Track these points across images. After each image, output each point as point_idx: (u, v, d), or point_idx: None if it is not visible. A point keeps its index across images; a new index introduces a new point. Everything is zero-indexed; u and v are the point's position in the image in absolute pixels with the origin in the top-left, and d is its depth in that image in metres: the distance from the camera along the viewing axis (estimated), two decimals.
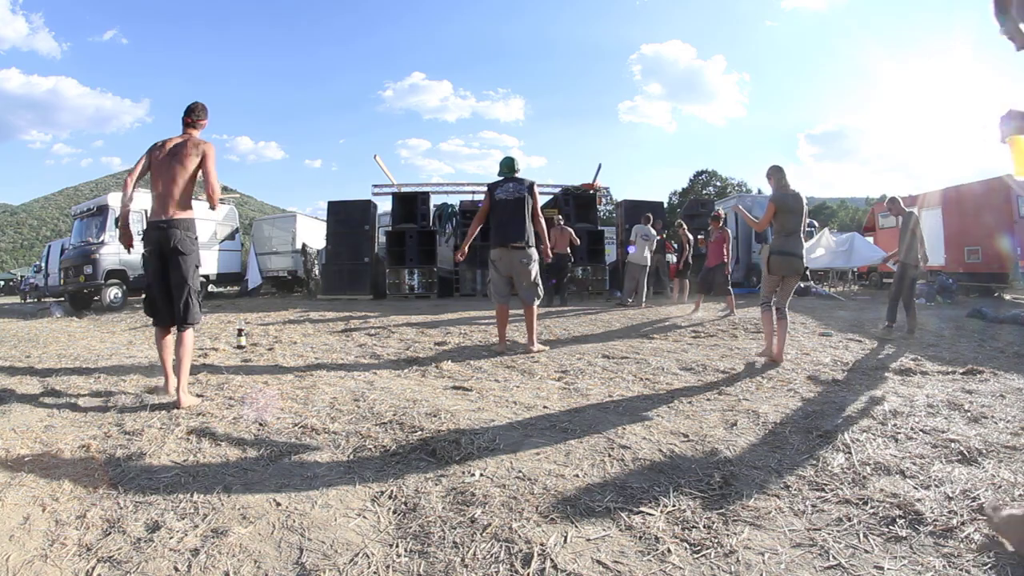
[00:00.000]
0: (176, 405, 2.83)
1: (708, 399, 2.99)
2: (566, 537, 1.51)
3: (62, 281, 11.17)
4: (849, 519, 1.60)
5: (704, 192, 45.42)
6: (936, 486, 1.80)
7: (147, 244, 2.99)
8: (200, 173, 3.04)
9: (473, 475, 1.94)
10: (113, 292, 10.57)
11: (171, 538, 1.52)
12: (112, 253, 10.46)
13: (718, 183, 48.43)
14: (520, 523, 1.58)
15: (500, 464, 2.04)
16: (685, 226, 9.65)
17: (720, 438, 2.32)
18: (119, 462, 2.09)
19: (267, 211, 71.79)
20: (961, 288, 10.61)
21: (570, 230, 9.30)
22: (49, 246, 15.91)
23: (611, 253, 13.42)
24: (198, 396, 3.05)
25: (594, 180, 13.13)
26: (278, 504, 1.73)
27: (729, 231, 7.96)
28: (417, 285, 11.54)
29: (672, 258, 10.74)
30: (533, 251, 4.41)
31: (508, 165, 4.56)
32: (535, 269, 4.42)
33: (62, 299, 11.74)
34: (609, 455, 2.13)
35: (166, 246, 2.92)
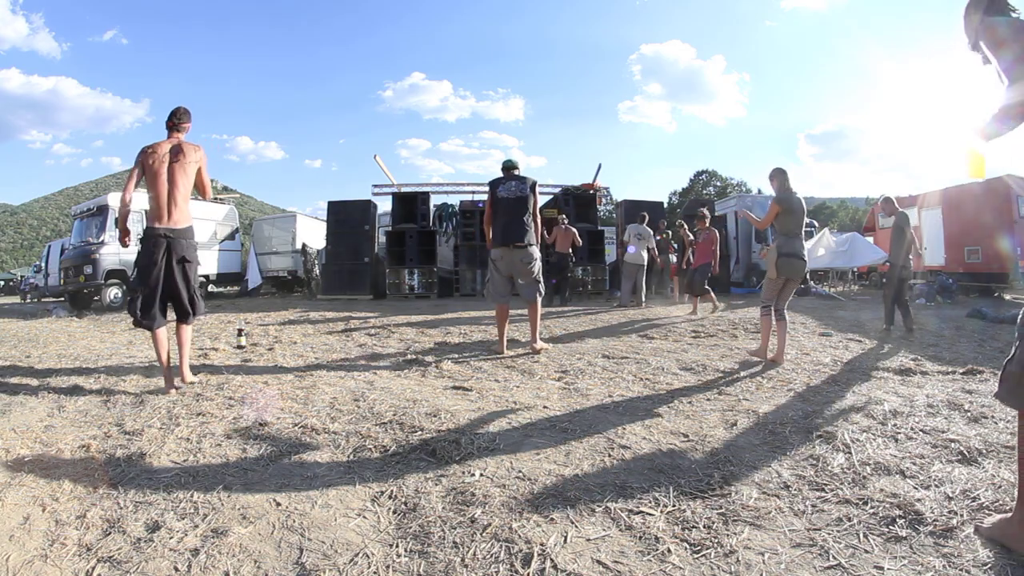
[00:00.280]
0: (182, 381, 3.23)
1: (708, 399, 2.99)
2: (566, 537, 1.51)
3: (62, 281, 11.18)
4: (849, 519, 1.60)
5: (704, 192, 45.42)
6: (936, 486, 1.80)
7: (151, 250, 3.08)
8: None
9: (473, 475, 1.94)
10: (113, 292, 10.57)
11: (171, 538, 1.52)
12: (112, 253, 10.46)
13: (718, 183, 48.43)
14: (520, 523, 1.58)
15: (500, 464, 2.04)
16: (686, 226, 9.65)
17: (720, 438, 2.32)
18: (119, 462, 2.09)
19: (267, 211, 71.82)
20: (961, 288, 10.62)
21: (574, 230, 9.31)
22: (49, 246, 15.92)
23: (611, 253, 13.43)
24: (198, 395, 3.09)
25: (594, 180, 13.14)
26: (278, 504, 1.73)
27: (716, 232, 7.88)
28: (417, 285, 11.54)
29: (673, 258, 10.74)
30: (535, 250, 4.41)
31: (510, 164, 4.57)
32: (537, 267, 4.42)
33: (62, 299, 11.75)
34: (609, 455, 2.13)
35: (173, 255, 3.12)
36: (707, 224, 7.89)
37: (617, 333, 5.77)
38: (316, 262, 14.24)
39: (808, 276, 12.56)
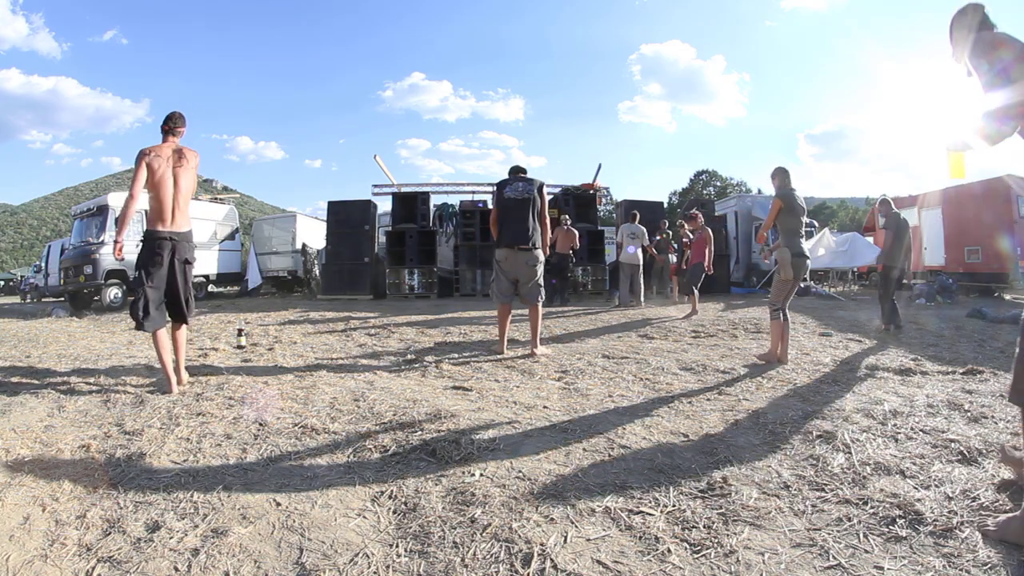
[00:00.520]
0: (179, 382, 3.25)
1: (708, 399, 2.99)
2: (566, 537, 1.51)
3: (62, 281, 11.17)
4: (849, 519, 1.60)
5: (704, 192, 45.41)
6: (936, 486, 1.80)
7: (156, 252, 3.15)
8: None
9: (473, 475, 1.94)
10: (113, 292, 10.57)
11: (171, 538, 1.52)
12: (112, 253, 10.46)
13: (718, 183, 48.44)
14: (520, 523, 1.58)
15: (500, 464, 2.04)
16: (687, 226, 9.65)
17: (720, 438, 2.32)
18: (119, 462, 2.09)
19: (267, 211, 71.80)
20: (961, 288, 10.61)
21: (575, 232, 9.31)
22: (49, 246, 15.92)
23: (611, 253, 13.45)
24: (198, 395, 3.10)
25: (594, 180, 13.14)
26: (278, 504, 1.73)
27: (709, 231, 7.76)
28: (417, 285, 11.54)
29: (673, 258, 10.74)
30: (539, 252, 4.39)
31: (518, 167, 4.57)
32: (541, 270, 4.41)
33: (62, 299, 11.74)
34: (609, 455, 2.13)
35: (176, 257, 3.21)
36: (700, 224, 7.81)
37: (617, 333, 5.77)
38: (316, 262, 14.24)
39: (807, 276, 12.57)
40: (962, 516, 1.59)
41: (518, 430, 2.45)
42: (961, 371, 3.62)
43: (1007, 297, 10.65)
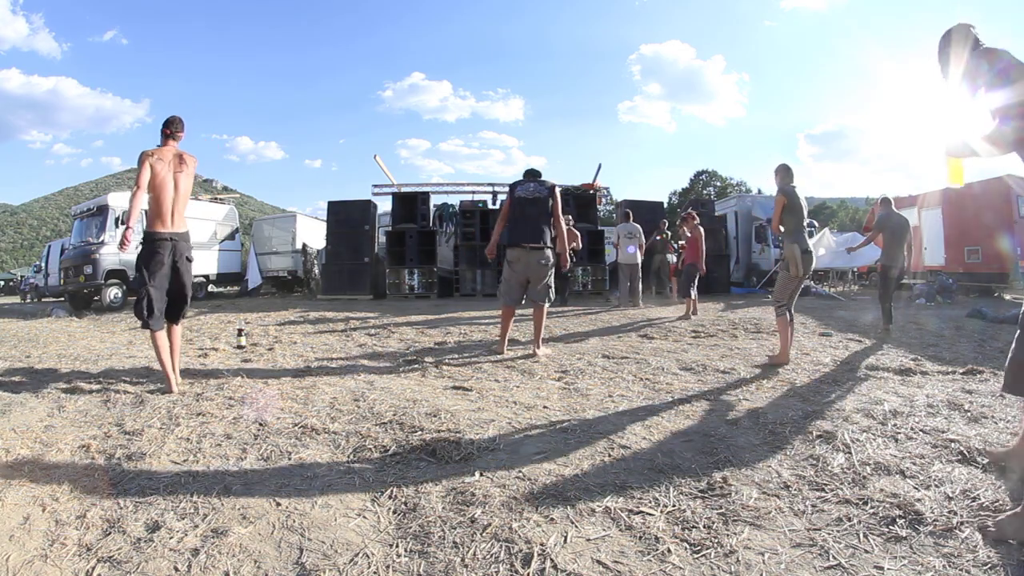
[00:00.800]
0: (177, 382, 3.28)
1: (708, 399, 2.99)
2: (566, 537, 1.51)
3: (62, 281, 11.18)
4: (849, 519, 1.60)
5: (704, 192, 45.40)
6: (936, 486, 1.80)
7: (158, 252, 3.24)
8: None
9: (473, 475, 1.94)
10: (113, 292, 10.57)
11: (171, 538, 1.52)
12: (112, 253, 10.46)
13: (718, 183, 48.42)
14: (520, 523, 1.58)
15: (500, 464, 2.04)
16: (684, 227, 9.64)
17: (720, 438, 2.32)
18: (119, 462, 2.09)
19: (267, 211, 71.78)
20: (961, 288, 10.62)
21: (577, 232, 9.31)
22: (49, 246, 15.92)
23: (611, 253, 13.45)
24: (198, 395, 3.10)
25: (594, 180, 13.14)
26: (278, 504, 1.73)
27: (700, 230, 7.62)
28: (417, 285, 11.55)
29: (673, 258, 10.75)
30: (551, 253, 4.38)
31: (532, 169, 4.56)
32: (551, 271, 4.38)
33: (62, 299, 11.74)
34: (609, 455, 2.13)
35: (178, 255, 3.31)
36: (694, 223, 7.72)
37: (617, 333, 5.77)
38: (316, 262, 14.25)
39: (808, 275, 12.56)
40: (962, 516, 1.59)
41: (518, 430, 2.45)
42: (961, 371, 3.62)
43: (1007, 297, 10.64)
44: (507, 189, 4.59)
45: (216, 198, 15.96)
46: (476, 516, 1.63)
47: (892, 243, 5.89)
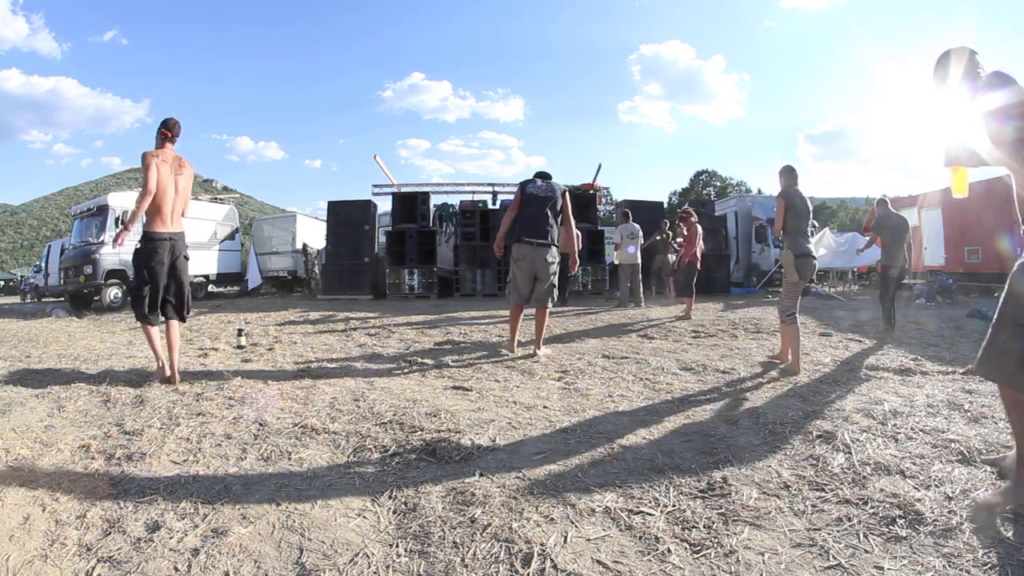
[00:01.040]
0: (174, 380, 3.36)
1: (708, 399, 2.99)
2: (566, 537, 1.51)
3: (62, 281, 11.18)
4: (849, 519, 1.60)
5: (704, 192, 45.42)
6: (936, 486, 1.80)
7: (157, 251, 3.35)
8: None
9: (473, 475, 1.94)
10: (113, 292, 10.57)
11: (171, 538, 1.52)
12: (112, 253, 10.46)
13: (718, 183, 48.42)
14: (520, 523, 1.58)
15: (500, 464, 2.04)
16: (683, 226, 9.64)
17: (720, 438, 2.32)
18: (119, 462, 2.09)
19: (267, 211, 71.75)
20: (961, 288, 10.62)
21: (577, 232, 9.29)
22: (49, 246, 15.91)
23: (611, 253, 13.46)
24: (198, 395, 3.10)
25: (594, 180, 13.15)
26: (278, 504, 1.73)
27: (696, 227, 7.59)
28: (417, 285, 11.55)
29: (672, 258, 10.75)
30: (556, 251, 4.37)
31: (542, 171, 4.56)
32: (556, 270, 4.37)
33: (62, 299, 11.74)
34: (609, 455, 2.13)
35: (176, 255, 3.42)
36: (691, 222, 7.66)
37: (617, 333, 5.77)
38: (316, 262, 14.25)
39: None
40: (962, 516, 1.59)
41: (518, 430, 2.45)
42: (961, 371, 3.61)
43: None
44: (508, 189, 4.58)
45: (216, 198, 15.96)
46: (476, 516, 1.63)
47: (892, 243, 5.90)
